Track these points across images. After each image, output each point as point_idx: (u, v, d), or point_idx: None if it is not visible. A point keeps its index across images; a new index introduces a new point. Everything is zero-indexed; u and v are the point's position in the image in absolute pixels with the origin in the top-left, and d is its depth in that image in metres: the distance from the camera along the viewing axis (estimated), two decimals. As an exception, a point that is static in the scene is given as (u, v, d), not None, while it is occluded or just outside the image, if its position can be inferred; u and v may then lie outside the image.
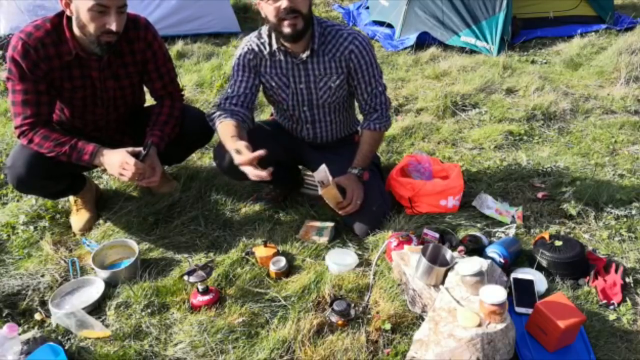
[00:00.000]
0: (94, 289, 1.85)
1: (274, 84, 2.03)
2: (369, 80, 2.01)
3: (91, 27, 1.74)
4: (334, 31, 1.95)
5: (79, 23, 1.76)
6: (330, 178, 1.89)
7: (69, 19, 1.79)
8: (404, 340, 1.59)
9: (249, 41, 2.00)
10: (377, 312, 1.67)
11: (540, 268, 1.83)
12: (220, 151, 2.06)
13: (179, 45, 4.39)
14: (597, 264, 1.84)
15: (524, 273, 1.78)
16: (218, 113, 1.97)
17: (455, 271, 1.61)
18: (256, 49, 1.98)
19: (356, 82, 2.02)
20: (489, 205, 2.19)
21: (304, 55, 1.94)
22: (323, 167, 1.90)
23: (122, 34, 1.87)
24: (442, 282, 1.62)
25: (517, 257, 1.91)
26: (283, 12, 1.76)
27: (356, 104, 2.20)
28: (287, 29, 1.80)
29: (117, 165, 1.83)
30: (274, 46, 1.95)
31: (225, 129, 1.90)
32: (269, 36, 1.96)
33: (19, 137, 1.88)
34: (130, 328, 1.67)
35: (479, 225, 2.09)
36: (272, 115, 2.37)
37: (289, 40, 1.88)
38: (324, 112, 2.10)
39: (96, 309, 1.79)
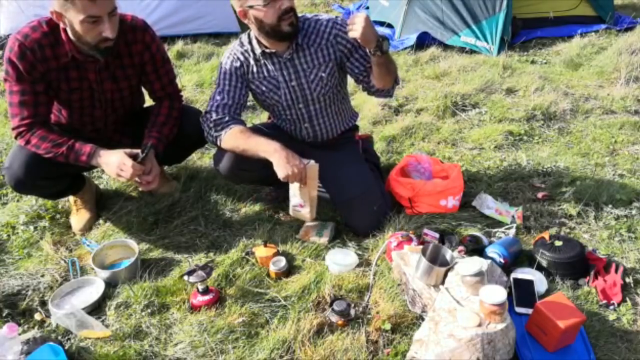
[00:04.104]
0: (94, 289, 1.85)
1: (264, 88, 2.04)
2: (365, 54, 1.97)
3: (88, 37, 1.74)
4: (312, 22, 1.97)
5: (75, 34, 1.76)
6: (314, 164, 1.87)
7: None
8: (404, 340, 1.59)
9: (233, 50, 2.02)
10: (377, 312, 1.67)
11: (540, 268, 1.83)
12: (223, 159, 2.05)
13: (179, 46, 4.39)
14: (597, 264, 1.84)
15: (524, 273, 1.78)
16: (226, 120, 1.96)
17: (455, 271, 1.61)
18: (241, 57, 2.00)
19: (354, 59, 2.00)
20: (489, 205, 2.19)
21: (288, 53, 1.96)
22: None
23: (121, 35, 1.87)
24: (442, 282, 1.62)
25: (517, 257, 1.90)
26: (283, 12, 1.80)
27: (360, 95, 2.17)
28: (286, 27, 1.84)
29: (114, 166, 1.83)
30: (258, 51, 1.96)
31: (244, 133, 1.92)
32: (250, 43, 1.98)
33: (16, 138, 1.88)
34: (130, 328, 1.67)
35: (479, 225, 2.09)
36: (270, 118, 2.37)
37: (286, 38, 1.90)
38: (320, 107, 2.10)
39: (96, 309, 1.79)
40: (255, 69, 2.01)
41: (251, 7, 1.81)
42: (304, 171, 1.84)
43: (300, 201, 1.95)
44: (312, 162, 1.88)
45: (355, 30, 1.76)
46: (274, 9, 1.79)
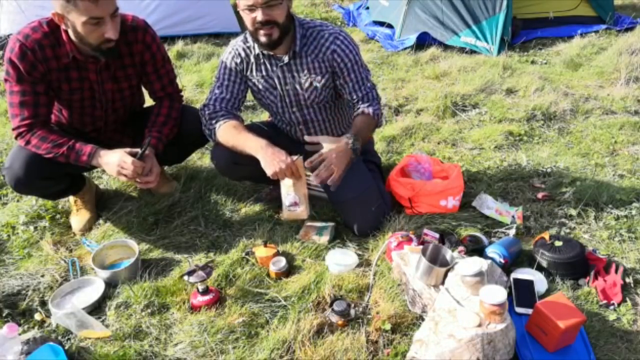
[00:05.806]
0: (94, 289, 1.85)
1: (261, 86, 2.04)
2: (356, 79, 2.00)
3: (91, 39, 1.75)
4: (315, 32, 1.96)
5: (77, 35, 1.76)
6: (300, 158, 1.85)
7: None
8: (404, 340, 1.59)
9: (235, 45, 2.02)
10: (377, 312, 1.67)
11: (540, 268, 1.83)
12: (218, 152, 2.06)
13: (179, 46, 4.39)
14: (597, 264, 1.84)
15: (524, 273, 1.79)
16: (221, 113, 1.97)
17: (455, 271, 1.61)
18: (242, 53, 2.00)
19: (343, 82, 2.00)
20: (489, 205, 2.19)
21: (286, 58, 1.95)
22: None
23: (121, 36, 1.87)
24: (442, 282, 1.62)
25: (517, 257, 1.91)
26: (259, 24, 1.78)
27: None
28: (262, 38, 1.83)
29: (115, 164, 1.84)
30: (257, 50, 1.96)
31: (236, 128, 1.92)
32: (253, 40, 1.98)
33: (16, 138, 1.89)
34: (130, 328, 1.67)
35: (479, 225, 2.09)
36: (270, 116, 2.37)
37: (265, 48, 1.90)
38: (314, 112, 2.10)
39: (96, 309, 1.79)
40: (254, 67, 2.01)
41: (239, 6, 1.82)
42: (294, 166, 1.80)
43: (295, 199, 1.89)
44: (298, 156, 1.86)
45: (333, 185, 1.79)
46: (250, 17, 1.78)
